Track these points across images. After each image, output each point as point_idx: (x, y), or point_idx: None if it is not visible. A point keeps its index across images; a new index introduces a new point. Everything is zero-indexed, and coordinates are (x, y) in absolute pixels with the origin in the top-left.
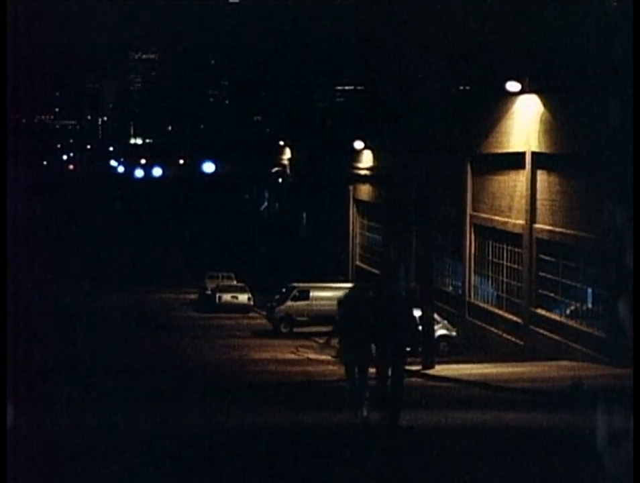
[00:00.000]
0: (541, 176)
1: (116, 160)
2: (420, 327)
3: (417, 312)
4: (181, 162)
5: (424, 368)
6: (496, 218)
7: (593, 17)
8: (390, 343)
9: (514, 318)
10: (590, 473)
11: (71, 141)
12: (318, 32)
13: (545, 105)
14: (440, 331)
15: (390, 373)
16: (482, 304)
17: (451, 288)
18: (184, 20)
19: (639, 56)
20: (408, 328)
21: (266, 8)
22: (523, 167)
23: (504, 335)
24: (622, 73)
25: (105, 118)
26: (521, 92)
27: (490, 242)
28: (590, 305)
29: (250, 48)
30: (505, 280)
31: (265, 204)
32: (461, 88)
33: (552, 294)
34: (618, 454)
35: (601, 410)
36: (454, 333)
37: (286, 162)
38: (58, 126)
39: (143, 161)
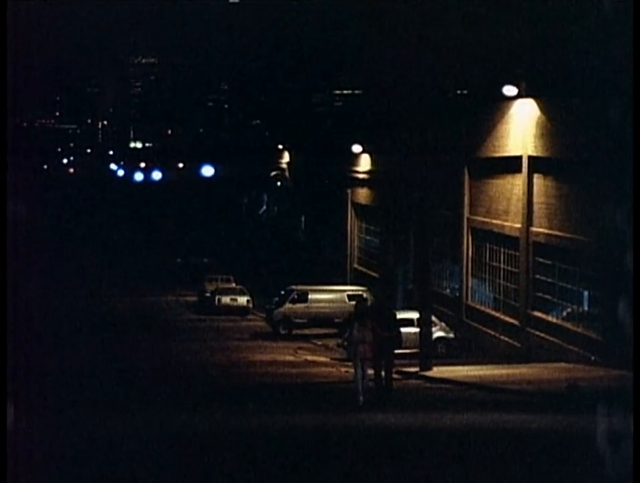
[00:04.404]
0: (538, 179)
1: (116, 164)
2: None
3: (415, 315)
4: (180, 165)
5: (422, 370)
6: (493, 221)
7: (590, 21)
8: (382, 350)
9: (511, 321)
10: (585, 474)
11: (71, 144)
12: (317, 36)
13: (541, 109)
14: (437, 333)
15: (383, 371)
16: (479, 307)
17: (448, 290)
18: (183, 24)
19: (639, 57)
20: (394, 338)
21: (265, 11)
22: (520, 171)
23: (501, 337)
24: (619, 76)
25: (105, 122)
26: (518, 96)
27: (487, 245)
28: (586, 307)
29: (249, 52)
30: (502, 282)
31: (264, 207)
32: (459, 92)
33: (548, 297)
34: (614, 455)
35: (597, 411)
36: (451, 335)
37: (284, 166)
38: (58, 130)
39: (142, 164)
